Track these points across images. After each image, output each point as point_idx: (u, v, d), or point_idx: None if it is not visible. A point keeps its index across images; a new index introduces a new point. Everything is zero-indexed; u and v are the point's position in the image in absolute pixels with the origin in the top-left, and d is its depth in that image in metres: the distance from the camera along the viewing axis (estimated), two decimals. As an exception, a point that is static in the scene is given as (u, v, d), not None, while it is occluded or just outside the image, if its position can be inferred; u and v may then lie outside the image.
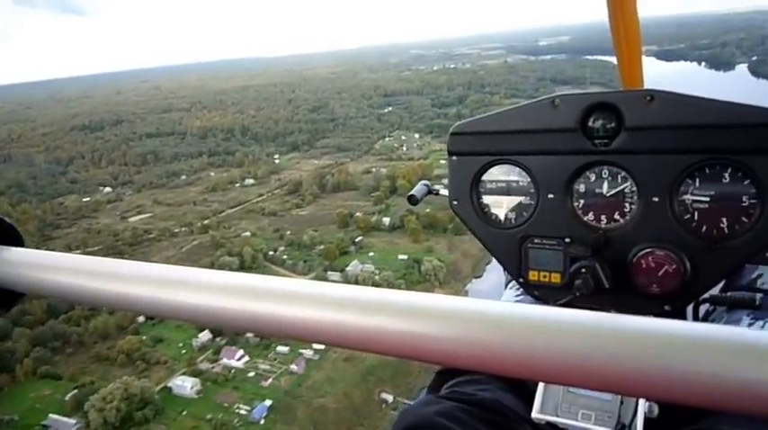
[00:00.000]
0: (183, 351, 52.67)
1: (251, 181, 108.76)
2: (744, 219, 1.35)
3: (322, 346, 50.14)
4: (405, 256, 67.06)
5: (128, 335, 55.09)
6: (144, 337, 55.07)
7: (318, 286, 0.60)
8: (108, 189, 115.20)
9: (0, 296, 0.80)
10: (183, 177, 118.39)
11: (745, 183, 1.34)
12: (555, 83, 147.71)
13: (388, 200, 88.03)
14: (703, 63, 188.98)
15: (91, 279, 0.71)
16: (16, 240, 0.83)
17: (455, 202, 1.71)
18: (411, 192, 2.08)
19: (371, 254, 69.51)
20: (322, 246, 70.53)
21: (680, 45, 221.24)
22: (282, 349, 50.72)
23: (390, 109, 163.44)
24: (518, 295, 1.83)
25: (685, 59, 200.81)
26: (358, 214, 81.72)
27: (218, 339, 53.44)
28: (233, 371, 48.98)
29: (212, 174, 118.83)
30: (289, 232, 78.34)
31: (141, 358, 50.95)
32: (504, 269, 1.72)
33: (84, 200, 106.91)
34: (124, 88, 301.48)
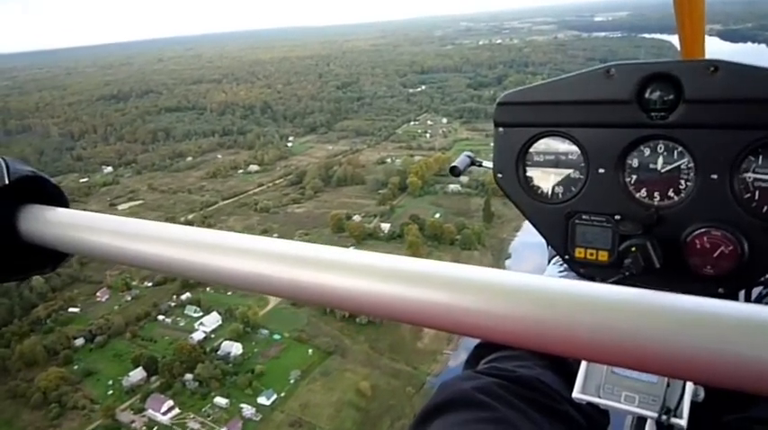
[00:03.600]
0: (111, 391, 44.22)
1: (255, 167, 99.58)
2: None
3: (267, 402, 40.67)
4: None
5: (57, 363, 47.11)
6: (75, 367, 47.01)
7: (362, 255, 0.60)
8: (109, 169, 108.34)
9: (46, 256, 0.82)
10: (189, 159, 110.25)
11: None
12: (604, 64, 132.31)
13: (394, 200, 77.31)
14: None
15: (133, 241, 0.72)
16: (61, 201, 0.84)
17: (499, 175, 1.65)
18: (453, 164, 2.00)
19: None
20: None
21: (747, 24, 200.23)
22: (220, 401, 41.55)
23: (423, 88, 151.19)
24: (561, 271, 1.78)
25: (753, 41, 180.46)
26: (356, 217, 71.47)
27: (153, 378, 44.72)
28: (155, 428, 40.12)
29: (219, 156, 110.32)
30: (276, 235, 68.80)
31: (57, 400, 42.65)
32: (549, 245, 1.67)
33: (81, 180, 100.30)
34: (167, 55, 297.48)
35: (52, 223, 0.79)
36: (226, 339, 48.60)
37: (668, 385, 1.26)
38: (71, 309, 56.23)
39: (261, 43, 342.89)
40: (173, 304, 55.96)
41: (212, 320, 51.59)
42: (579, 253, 1.52)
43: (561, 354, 0.52)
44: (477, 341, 1.63)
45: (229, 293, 57.37)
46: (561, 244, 1.56)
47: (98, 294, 59.01)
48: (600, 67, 1.44)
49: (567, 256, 1.56)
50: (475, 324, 0.52)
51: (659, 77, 1.36)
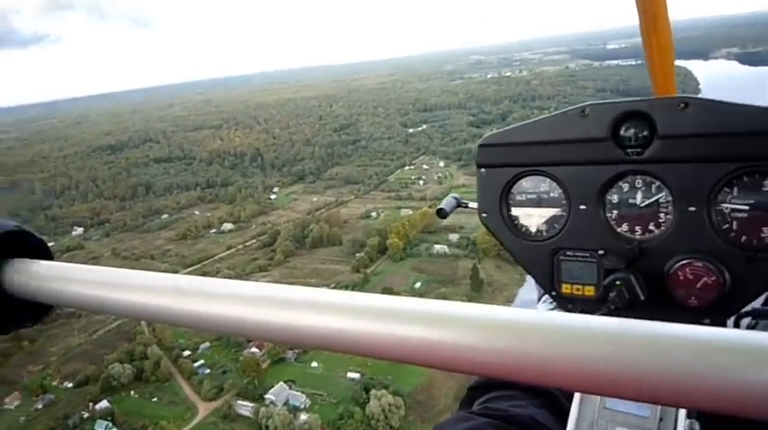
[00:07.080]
0: None
1: (229, 226, 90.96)
2: None
3: None
4: (356, 375, 46.29)
5: None
6: None
7: (354, 296, 0.60)
8: (80, 230, 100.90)
9: (29, 309, 0.83)
10: (165, 216, 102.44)
11: None
12: (617, 94, 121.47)
13: (371, 266, 67.38)
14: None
15: (117, 290, 0.73)
16: (45, 254, 0.86)
17: (484, 215, 1.67)
18: (440, 206, 2.01)
19: (315, 365, 49.02)
20: (254, 349, 50.80)
21: (767, 47, 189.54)
22: None
23: (424, 127, 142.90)
24: (551, 309, 1.78)
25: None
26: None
27: None
28: None
29: (197, 212, 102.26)
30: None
31: None
32: (536, 282, 1.68)
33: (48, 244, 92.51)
34: (179, 101, 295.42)
35: (35, 276, 0.79)
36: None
37: (661, 419, 1.24)
38: (-32, 424, 46.90)
39: (271, 85, 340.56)
40: (85, 415, 46.33)
41: (121, 443, 41.74)
42: (566, 288, 1.53)
43: (552, 386, 0.54)
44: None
45: (154, 399, 47.70)
46: (548, 280, 1.57)
47: (7, 400, 49.82)
48: (576, 107, 1.47)
49: (553, 292, 1.56)
50: (470, 360, 0.52)
51: (632, 115, 1.39)
